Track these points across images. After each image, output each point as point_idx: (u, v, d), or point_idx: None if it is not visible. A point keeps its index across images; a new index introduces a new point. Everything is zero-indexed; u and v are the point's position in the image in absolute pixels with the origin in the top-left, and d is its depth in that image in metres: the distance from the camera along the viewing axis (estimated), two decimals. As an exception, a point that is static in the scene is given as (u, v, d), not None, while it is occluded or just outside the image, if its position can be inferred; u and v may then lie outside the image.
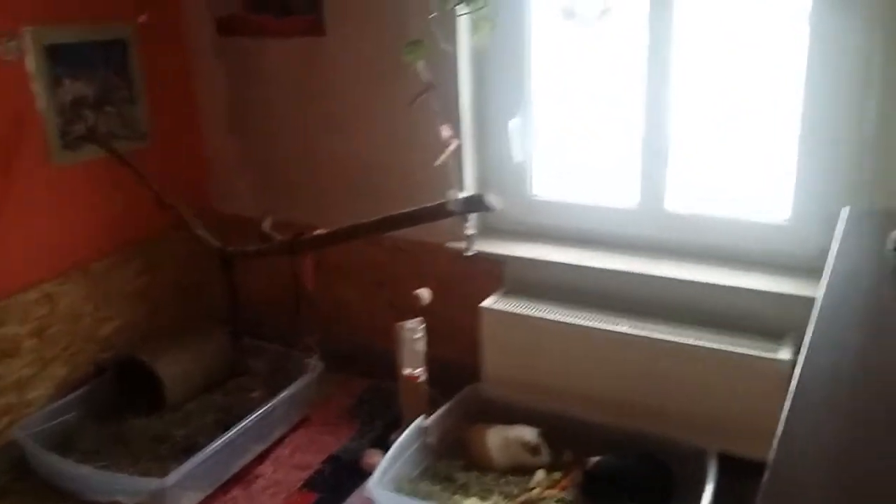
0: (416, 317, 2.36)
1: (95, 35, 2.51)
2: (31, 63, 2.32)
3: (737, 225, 2.29)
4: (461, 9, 2.08)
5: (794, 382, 1.02)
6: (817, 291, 1.29)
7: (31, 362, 2.41)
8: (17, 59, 2.28)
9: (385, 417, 2.56)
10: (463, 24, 2.32)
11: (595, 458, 2.11)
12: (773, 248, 2.23)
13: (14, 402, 2.37)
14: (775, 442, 0.90)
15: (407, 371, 2.38)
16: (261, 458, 2.40)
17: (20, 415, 2.37)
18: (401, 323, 2.36)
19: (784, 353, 2.04)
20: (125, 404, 2.52)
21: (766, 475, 0.84)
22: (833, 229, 1.62)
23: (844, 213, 1.65)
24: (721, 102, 2.26)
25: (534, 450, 2.21)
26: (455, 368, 2.47)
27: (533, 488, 2.15)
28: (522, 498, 2.13)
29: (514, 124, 2.45)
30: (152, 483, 2.08)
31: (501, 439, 2.24)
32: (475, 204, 2.10)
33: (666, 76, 2.24)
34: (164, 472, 2.10)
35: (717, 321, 2.20)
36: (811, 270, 2.07)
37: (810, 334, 1.14)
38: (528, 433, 2.23)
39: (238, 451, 2.31)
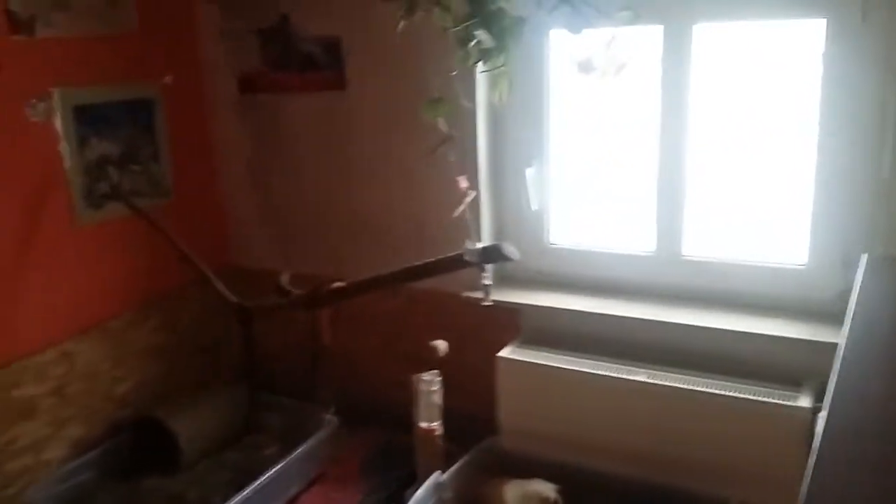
0: (433, 369, 2.35)
1: (122, 95, 2.56)
2: (59, 123, 2.36)
3: (753, 270, 2.27)
4: (481, 66, 2.11)
5: (818, 435, 1.00)
6: (839, 340, 1.28)
7: (49, 422, 2.40)
8: (45, 119, 2.32)
9: (400, 472, 2.52)
10: (481, 79, 2.35)
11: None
12: (789, 292, 2.21)
13: (30, 464, 2.35)
14: (802, 497, 0.88)
15: (423, 425, 2.35)
16: (277, 516, 2.37)
17: (36, 476, 2.35)
18: (417, 375, 2.34)
19: (804, 401, 1.99)
20: (141, 463, 2.50)
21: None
22: (850, 274, 1.61)
23: (863, 259, 1.64)
24: (736, 147, 2.27)
25: (553, 505, 2.16)
26: (472, 420, 2.44)
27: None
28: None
29: (530, 173, 2.47)
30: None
31: (519, 495, 2.19)
32: (493, 254, 2.10)
33: (681, 122, 2.25)
34: (178, 534, 2.08)
35: (735, 368, 2.17)
36: (829, 315, 2.05)
37: (833, 386, 1.12)
38: (546, 489, 2.18)
39: (253, 510, 2.28)
